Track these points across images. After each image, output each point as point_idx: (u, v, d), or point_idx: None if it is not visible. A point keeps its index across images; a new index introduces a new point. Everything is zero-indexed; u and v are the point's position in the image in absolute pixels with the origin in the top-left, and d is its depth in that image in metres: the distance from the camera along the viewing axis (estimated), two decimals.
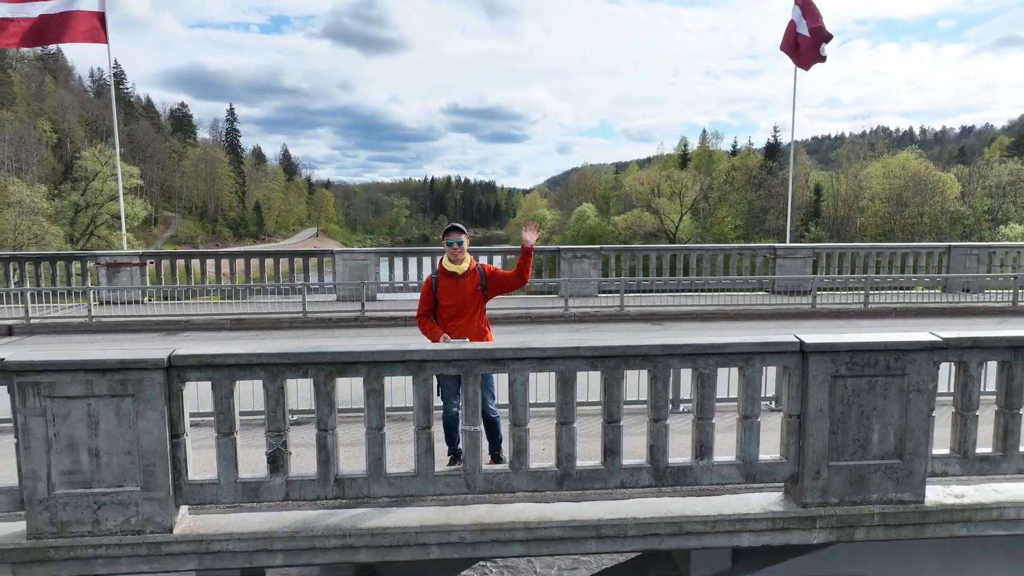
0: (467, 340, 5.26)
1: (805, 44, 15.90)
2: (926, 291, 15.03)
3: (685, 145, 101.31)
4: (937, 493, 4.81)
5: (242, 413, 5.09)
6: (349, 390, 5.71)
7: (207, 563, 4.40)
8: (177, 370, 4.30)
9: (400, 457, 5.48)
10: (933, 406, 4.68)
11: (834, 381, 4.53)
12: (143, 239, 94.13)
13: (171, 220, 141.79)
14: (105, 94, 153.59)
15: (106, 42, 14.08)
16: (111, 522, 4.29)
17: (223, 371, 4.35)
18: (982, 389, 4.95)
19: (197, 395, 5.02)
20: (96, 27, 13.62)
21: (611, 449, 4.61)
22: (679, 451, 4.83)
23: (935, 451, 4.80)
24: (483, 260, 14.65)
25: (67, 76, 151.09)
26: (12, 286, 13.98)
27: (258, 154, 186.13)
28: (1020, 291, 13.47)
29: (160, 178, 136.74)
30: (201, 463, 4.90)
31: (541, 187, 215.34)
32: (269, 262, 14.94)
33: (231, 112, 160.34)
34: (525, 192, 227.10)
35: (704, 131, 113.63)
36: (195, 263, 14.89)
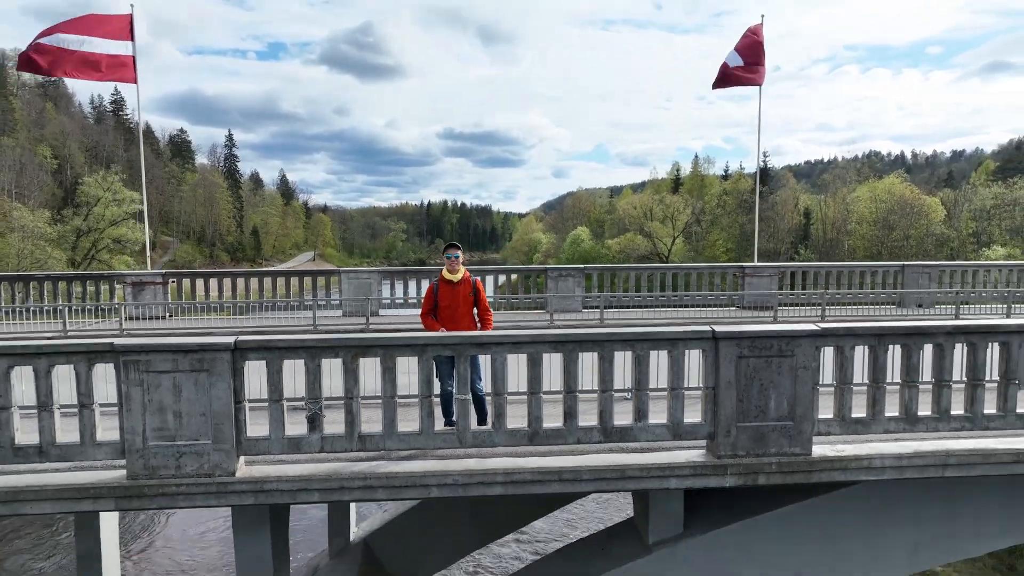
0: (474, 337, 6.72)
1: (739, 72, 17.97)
2: (882, 306, 16.52)
3: (678, 170, 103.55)
4: (823, 448, 6.24)
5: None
6: (362, 383, 7.07)
7: (261, 499, 5.80)
8: (241, 351, 5.74)
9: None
10: (817, 380, 6.13)
11: (739, 360, 5.97)
12: (141, 263, 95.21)
13: (169, 244, 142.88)
14: (105, 120, 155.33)
15: (135, 82, 15.67)
16: (189, 467, 5.69)
17: (275, 352, 5.79)
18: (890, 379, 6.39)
19: (250, 380, 6.41)
20: (128, 69, 15.22)
21: (570, 413, 6.04)
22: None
23: (821, 415, 6.24)
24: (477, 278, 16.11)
25: (67, 103, 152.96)
26: (49, 303, 15.38)
27: (256, 179, 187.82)
28: (961, 306, 14.98)
29: (159, 203, 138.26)
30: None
31: (537, 211, 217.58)
32: (280, 281, 16.38)
33: (229, 138, 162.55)
34: (521, 216, 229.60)
35: (696, 156, 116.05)
36: (213, 282, 16.33)
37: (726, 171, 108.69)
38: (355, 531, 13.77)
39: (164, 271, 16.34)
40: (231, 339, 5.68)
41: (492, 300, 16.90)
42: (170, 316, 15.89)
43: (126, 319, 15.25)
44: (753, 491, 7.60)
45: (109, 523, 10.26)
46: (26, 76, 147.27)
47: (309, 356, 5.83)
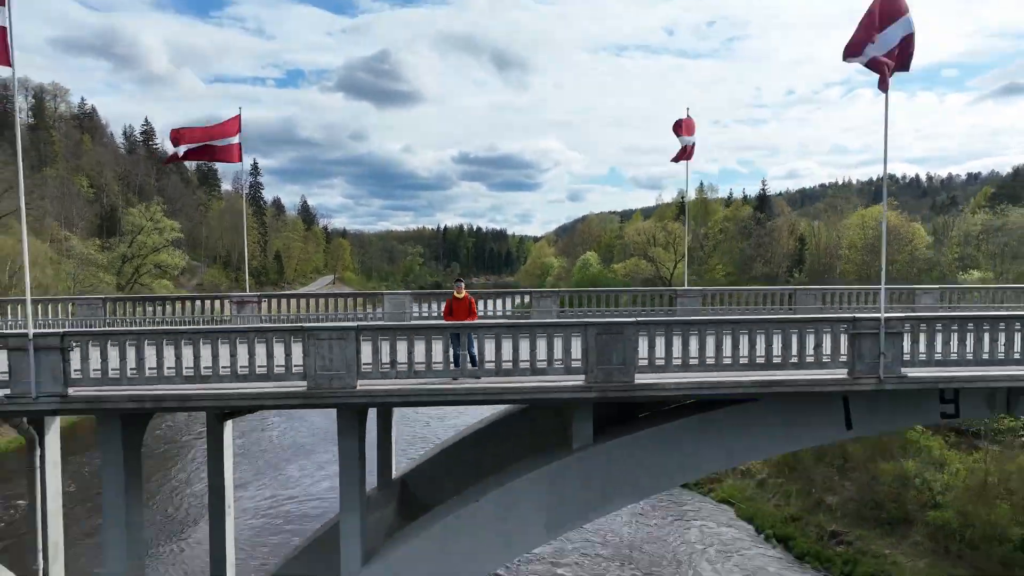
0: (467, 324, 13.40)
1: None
2: None
3: (683, 197, 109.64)
4: (641, 380, 12.76)
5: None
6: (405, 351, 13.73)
7: (368, 402, 12.44)
8: (359, 330, 12.41)
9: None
10: (637, 346, 12.65)
11: (598, 336, 12.55)
12: (179, 287, 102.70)
13: (197, 269, 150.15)
14: (136, 150, 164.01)
15: (240, 161, 22.22)
16: (336, 384, 12.33)
17: (376, 332, 12.50)
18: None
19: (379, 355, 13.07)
20: (235, 152, 21.51)
21: (515, 361, 12.64)
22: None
23: (642, 363, 12.76)
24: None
25: (100, 133, 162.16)
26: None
27: (278, 205, 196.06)
28: None
29: (188, 228, 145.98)
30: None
31: (551, 235, 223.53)
32: (341, 300, 23.18)
33: (254, 166, 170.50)
34: (535, 240, 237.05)
35: (701, 183, 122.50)
36: (283, 302, 23.17)
37: (729, 197, 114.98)
38: (395, 472, 20.29)
39: (259, 293, 23.17)
40: (355, 324, 12.35)
41: (493, 314, 23.55)
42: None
43: None
44: (635, 418, 14.10)
45: (228, 442, 17.28)
46: (62, 108, 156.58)
47: (392, 334, 12.52)
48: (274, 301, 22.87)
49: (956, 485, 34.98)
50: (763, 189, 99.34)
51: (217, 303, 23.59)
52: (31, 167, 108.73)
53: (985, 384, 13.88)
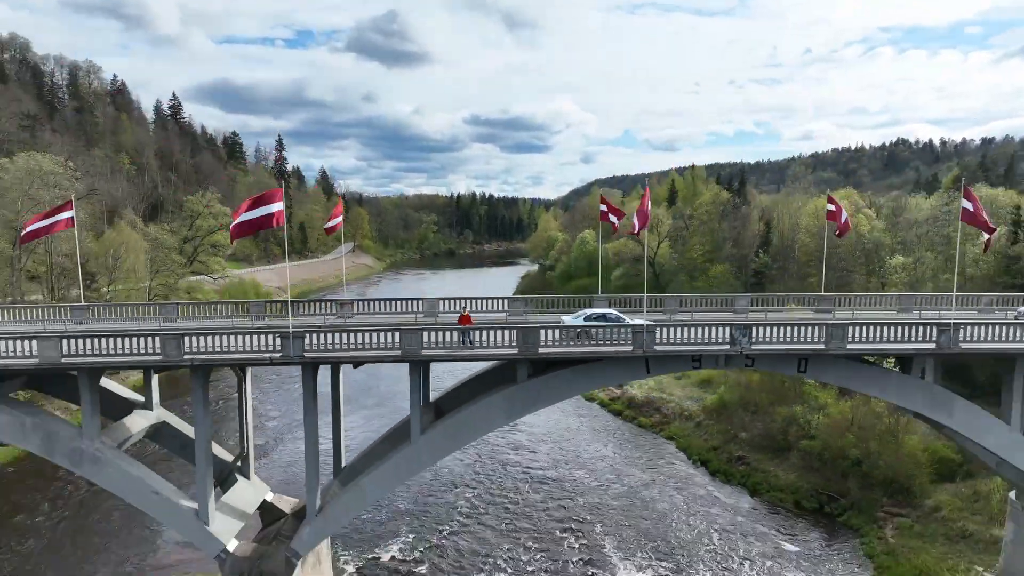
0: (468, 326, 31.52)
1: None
2: (657, 313, 40.46)
3: (672, 180, 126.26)
4: (542, 351, 30.75)
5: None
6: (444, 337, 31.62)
7: (426, 359, 30.60)
8: (423, 328, 30.50)
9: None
10: (539, 335, 30.62)
11: (523, 331, 30.53)
12: (230, 262, 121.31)
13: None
14: (167, 126, 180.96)
15: (284, 224, 40.03)
16: (412, 352, 30.45)
17: (430, 328, 30.61)
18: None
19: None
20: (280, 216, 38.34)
21: (491, 339, 30.77)
22: None
23: (542, 340, 30.78)
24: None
25: (131, 107, 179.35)
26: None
27: (298, 175, 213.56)
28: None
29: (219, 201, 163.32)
30: None
31: (557, 206, 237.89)
32: (393, 303, 41.32)
33: (279, 142, 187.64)
34: (547, 207, 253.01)
35: (692, 166, 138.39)
36: (365, 304, 41.14)
37: (717, 179, 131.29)
38: (432, 398, 38.64)
39: (354, 297, 41.29)
40: (422, 326, 30.42)
41: (487, 310, 41.50)
42: (351, 317, 40.68)
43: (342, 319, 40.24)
44: (550, 368, 32.11)
45: (342, 382, 36.14)
46: (96, 85, 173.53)
47: (436, 329, 30.63)
48: (362, 303, 41.05)
49: (828, 423, 53.52)
50: (742, 174, 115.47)
51: (332, 303, 41.80)
52: (85, 149, 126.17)
53: (653, 355, 31.72)
